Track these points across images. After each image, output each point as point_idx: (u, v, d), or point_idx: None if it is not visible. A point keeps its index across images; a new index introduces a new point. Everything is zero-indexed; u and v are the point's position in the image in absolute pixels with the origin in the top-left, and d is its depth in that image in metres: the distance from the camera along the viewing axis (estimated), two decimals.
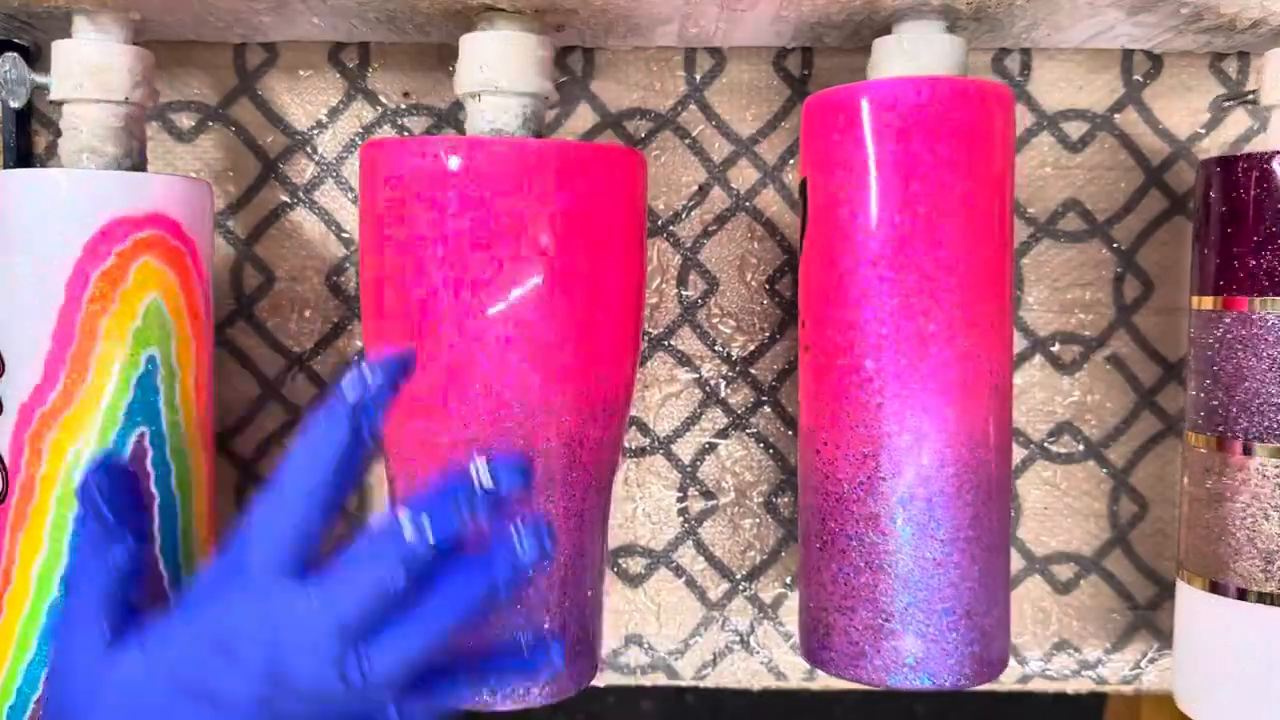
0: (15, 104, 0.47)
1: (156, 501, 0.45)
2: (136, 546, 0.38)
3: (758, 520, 0.56)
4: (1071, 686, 0.57)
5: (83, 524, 0.38)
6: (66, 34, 0.47)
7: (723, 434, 0.56)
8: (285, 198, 0.55)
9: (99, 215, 0.44)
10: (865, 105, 0.44)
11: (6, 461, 0.44)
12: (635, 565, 0.57)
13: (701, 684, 0.57)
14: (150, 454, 0.45)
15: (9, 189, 0.44)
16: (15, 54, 0.46)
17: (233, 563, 0.36)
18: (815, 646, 0.47)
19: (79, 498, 0.38)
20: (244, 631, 0.35)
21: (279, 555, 0.35)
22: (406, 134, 0.54)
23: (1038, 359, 0.55)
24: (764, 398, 0.56)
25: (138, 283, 0.44)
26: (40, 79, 0.46)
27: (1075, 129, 0.55)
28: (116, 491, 0.38)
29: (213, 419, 0.49)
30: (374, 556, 0.35)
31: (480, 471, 0.35)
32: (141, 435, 0.45)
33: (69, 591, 0.38)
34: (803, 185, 0.46)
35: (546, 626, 0.45)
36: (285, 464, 0.36)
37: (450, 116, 0.54)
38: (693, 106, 0.55)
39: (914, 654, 0.45)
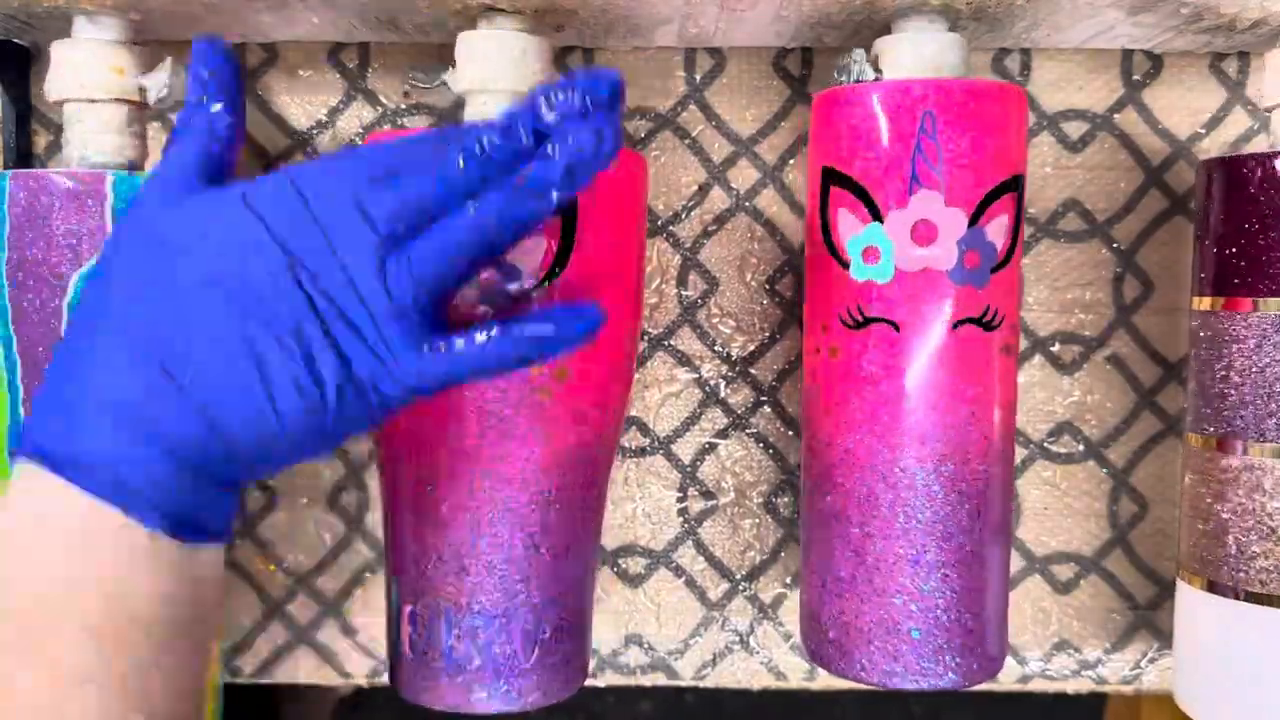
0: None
1: None
2: (232, 114, 0.40)
3: (758, 520, 0.56)
4: (1071, 686, 0.57)
5: (192, 90, 0.40)
6: (67, 34, 0.47)
7: (723, 434, 0.56)
8: None
9: None
10: (877, 104, 0.43)
11: None
12: (635, 565, 0.57)
13: (701, 684, 0.57)
14: None
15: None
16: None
17: (336, 155, 0.38)
18: (815, 644, 0.47)
19: (191, 68, 0.40)
20: (313, 183, 0.37)
21: (379, 165, 0.37)
22: None
23: (1038, 359, 0.55)
24: (764, 398, 0.56)
25: None
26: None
27: (1075, 129, 0.55)
28: (219, 65, 0.40)
29: None
30: (440, 141, 0.37)
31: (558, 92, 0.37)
32: None
33: (170, 142, 0.40)
34: None
35: (538, 629, 0.45)
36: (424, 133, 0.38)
37: (450, 117, 0.54)
38: (693, 106, 0.55)
39: (909, 653, 0.45)
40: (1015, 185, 0.44)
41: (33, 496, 0.36)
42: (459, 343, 0.37)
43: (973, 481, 0.45)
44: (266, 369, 0.36)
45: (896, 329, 0.44)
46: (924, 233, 0.43)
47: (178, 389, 0.35)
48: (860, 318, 0.45)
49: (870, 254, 0.44)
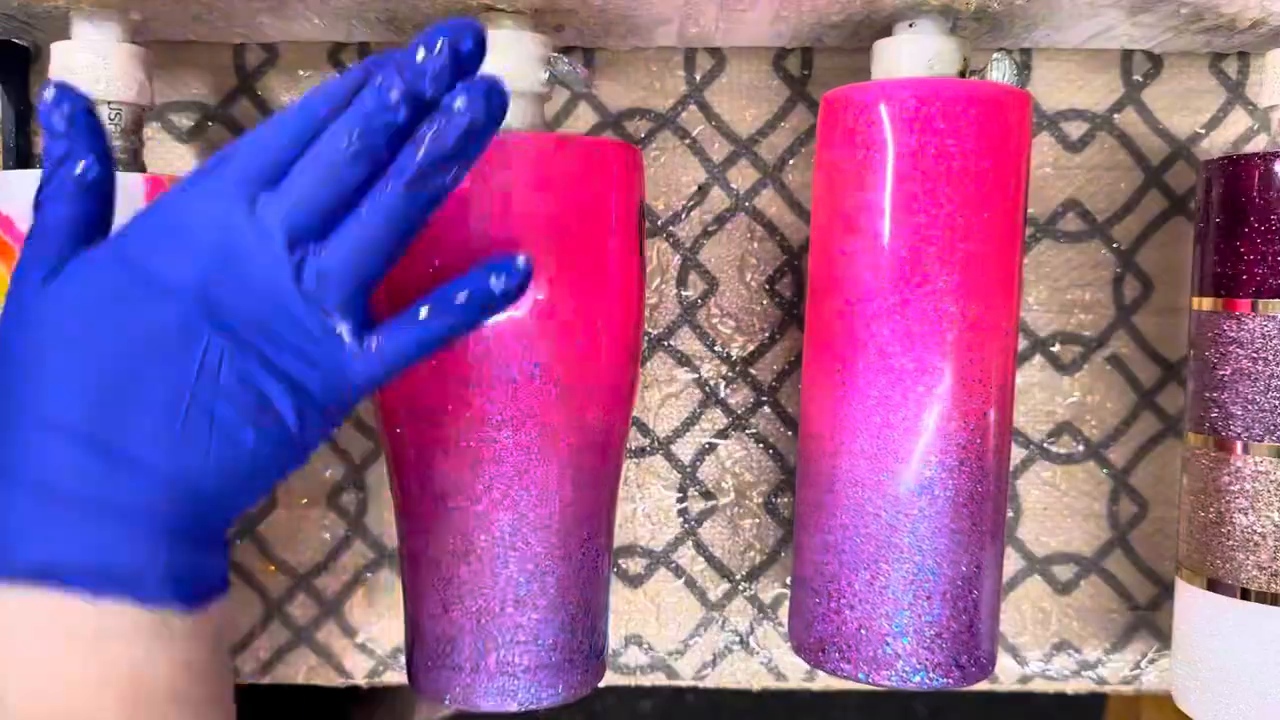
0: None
1: None
2: (99, 165, 0.36)
3: (758, 520, 0.56)
4: (1071, 686, 0.57)
5: (48, 147, 0.36)
6: (66, 34, 0.47)
7: (723, 434, 0.56)
8: None
9: None
10: (884, 108, 0.44)
11: None
12: (635, 565, 0.57)
13: (701, 684, 0.57)
14: None
15: None
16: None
17: (206, 170, 0.35)
18: (805, 641, 0.47)
19: (41, 120, 0.37)
20: (198, 218, 0.34)
21: (253, 167, 0.34)
22: None
23: (1038, 359, 0.55)
24: (764, 398, 0.56)
25: None
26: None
27: (1075, 129, 0.55)
28: (79, 113, 0.36)
29: None
30: (332, 141, 0.34)
31: (439, 44, 0.34)
32: None
33: (37, 207, 0.36)
34: None
35: (553, 628, 0.45)
36: (307, 94, 0.35)
37: None
38: (693, 106, 0.55)
39: (902, 653, 0.45)
40: None
41: (27, 612, 0.34)
42: (401, 329, 0.36)
43: (970, 481, 0.45)
44: (221, 423, 0.34)
45: None
46: None
47: (137, 468, 0.34)
48: None
49: None
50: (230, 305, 0.34)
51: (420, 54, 0.34)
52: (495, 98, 0.34)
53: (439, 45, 0.34)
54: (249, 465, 0.35)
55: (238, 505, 0.36)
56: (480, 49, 0.35)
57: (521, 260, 0.37)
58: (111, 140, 0.38)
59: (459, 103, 0.34)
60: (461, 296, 0.37)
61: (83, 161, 0.36)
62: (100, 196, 0.37)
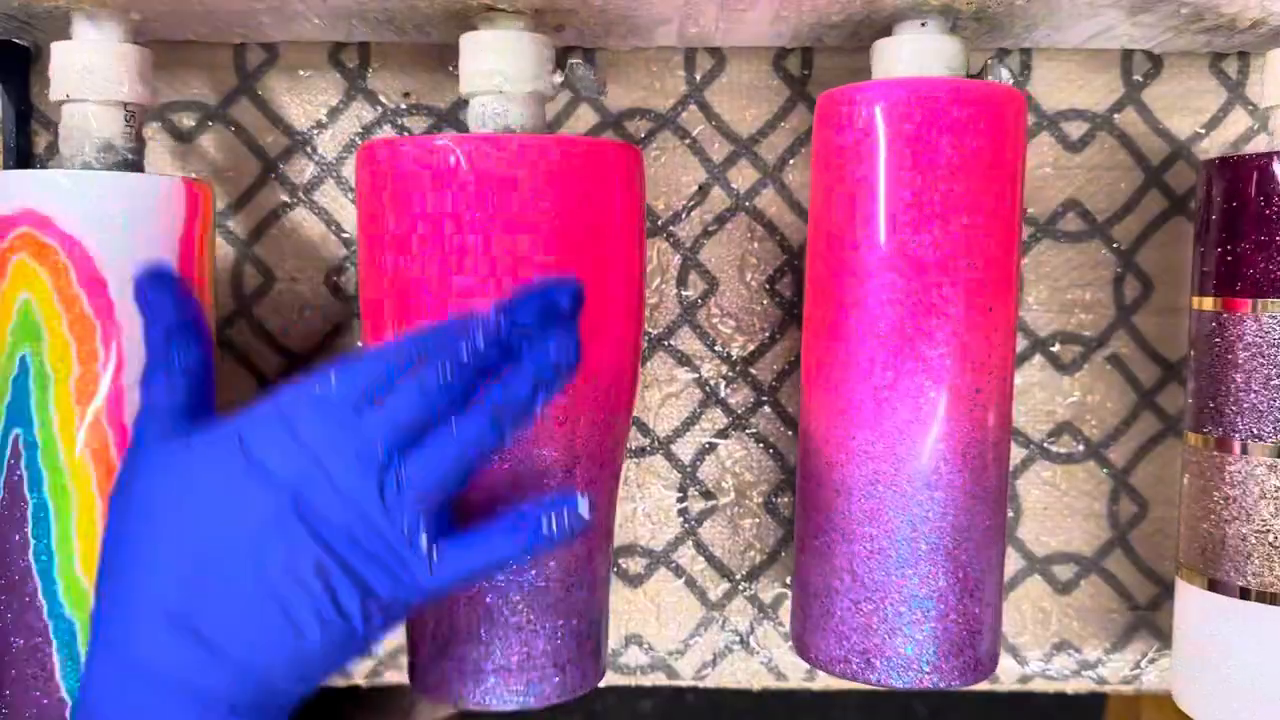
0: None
1: (29, 506, 0.44)
2: (203, 346, 0.41)
3: (758, 520, 0.56)
4: (1071, 686, 0.57)
5: (147, 331, 0.40)
6: (66, 34, 0.47)
7: (723, 434, 0.56)
8: (285, 198, 0.55)
9: None
10: (878, 108, 0.44)
11: None
12: (635, 565, 0.57)
13: (701, 684, 0.57)
14: (23, 457, 0.44)
15: None
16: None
17: (323, 379, 0.38)
18: (806, 641, 0.47)
19: (138, 305, 0.40)
20: (307, 422, 0.37)
21: (362, 386, 0.37)
22: (406, 134, 0.54)
23: (1038, 359, 0.55)
24: (764, 398, 0.56)
25: (12, 281, 0.44)
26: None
27: (1075, 129, 0.55)
28: (169, 295, 0.40)
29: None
30: (429, 373, 0.37)
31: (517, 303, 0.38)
32: (16, 436, 0.44)
33: (144, 394, 0.40)
34: None
35: (554, 627, 0.45)
36: (412, 335, 0.38)
37: (450, 116, 0.54)
38: (693, 106, 0.55)
39: (903, 652, 0.45)
40: None
41: None
42: (471, 548, 0.39)
43: (996, 478, 0.45)
44: (294, 613, 0.37)
45: None
46: None
47: (218, 655, 0.37)
48: None
49: None
50: (320, 505, 0.37)
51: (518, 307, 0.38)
52: (568, 356, 0.39)
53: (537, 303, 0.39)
54: (314, 658, 0.37)
55: (299, 691, 0.38)
56: (577, 305, 0.39)
57: (584, 506, 0.39)
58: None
59: (537, 356, 0.38)
60: (530, 526, 0.39)
61: (192, 346, 0.40)
62: (206, 374, 0.41)
